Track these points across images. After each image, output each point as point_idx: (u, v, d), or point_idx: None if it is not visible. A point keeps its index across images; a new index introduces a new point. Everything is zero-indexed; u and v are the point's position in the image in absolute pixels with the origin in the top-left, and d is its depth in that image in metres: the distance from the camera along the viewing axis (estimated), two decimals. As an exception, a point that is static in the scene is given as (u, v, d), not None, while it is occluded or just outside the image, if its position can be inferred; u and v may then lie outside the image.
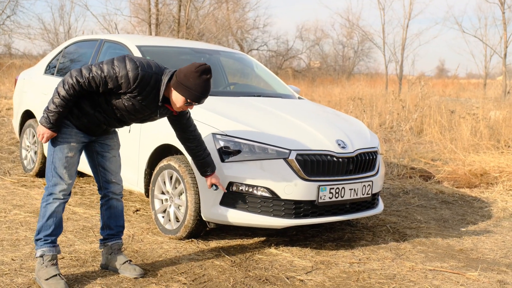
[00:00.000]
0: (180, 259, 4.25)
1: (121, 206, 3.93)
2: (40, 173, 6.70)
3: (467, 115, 11.61)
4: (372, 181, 4.84)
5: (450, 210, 6.35)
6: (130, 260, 3.86)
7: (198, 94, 3.46)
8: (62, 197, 3.53)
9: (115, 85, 3.38)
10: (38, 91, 6.62)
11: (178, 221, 4.70)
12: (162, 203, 4.88)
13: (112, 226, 3.85)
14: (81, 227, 4.91)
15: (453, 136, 10.11)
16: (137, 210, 5.59)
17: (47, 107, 3.39)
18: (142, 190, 5.11)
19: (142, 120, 3.77)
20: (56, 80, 6.47)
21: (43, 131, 3.39)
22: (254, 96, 5.76)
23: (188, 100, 3.48)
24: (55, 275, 3.44)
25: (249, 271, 4.10)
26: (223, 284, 3.81)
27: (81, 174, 6.66)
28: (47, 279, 3.41)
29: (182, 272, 3.97)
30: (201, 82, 3.45)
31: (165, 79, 3.49)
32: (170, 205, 4.79)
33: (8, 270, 3.77)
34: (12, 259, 3.99)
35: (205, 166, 4.11)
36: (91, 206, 5.63)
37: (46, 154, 6.59)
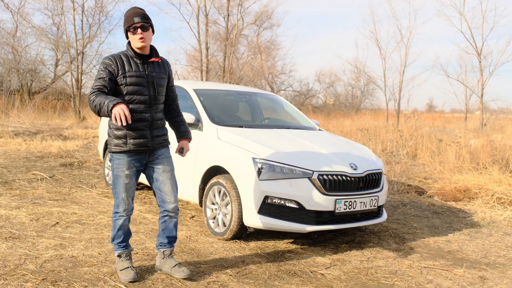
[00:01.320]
0: (227, 256, 4.35)
1: (174, 222, 3.73)
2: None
3: (452, 143, 11.53)
4: (378, 196, 4.88)
5: (440, 219, 6.31)
6: (179, 263, 3.74)
7: (128, 17, 3.36)
8: (125, 215, 3.57)
9: (112, 75, 3.34)
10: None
11: (225, 226, 4.80)
12: (212, 211, 4.98)
13: (164, 237, 3.73)
14: (150, 229, 5.05)
15: (441, 160, 10.02)
16: (193, 217, 5.70)
17: (99, 109, 3.22)
18: (197, 201, 5.22)
19: (155, 86, 3.49)
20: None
21: (115, 112, 3.12)
22: (284, 128, 5.81)
23: (131, 26, 3.34)
24: (128, 267, 3.58)
25: (280, 266, 4.18)
26: (261, 276, 3.89)
27: (150, 187, 6.83)
28: (121, 270, 3.57)
29: (229, 266, 4.07)
30: (128, 12, 3.40)
31: (127, 46, 3.48)
32: (219, 213, 4.89)
33: (96, 262, 3.94)
34: (99, 253, 4.16)
35: (182, 131, 3.88)
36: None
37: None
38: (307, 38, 51.90)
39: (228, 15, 20.61)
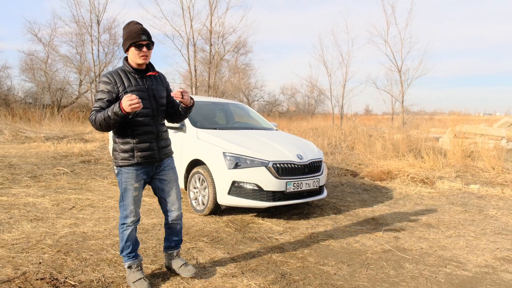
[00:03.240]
0: (204, 227, 4.30)
1: (179, 227, 3.11)
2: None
3: (379, 137, 11.69)
4: (319, 178, 4.87)
5: (368, 194, 6.33)
6: (186, 263, 3.12)
7: (134, 33, 2.66)
8: (132, 225, 2.85)
9: (111, 95, 2.65)
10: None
11: (204, 205, 4.75)
12: (194, 194, 4.92)
13: (171, 241, 3.11)
14: (146, 209, 4.95)
15: (371, 150, 10.08)
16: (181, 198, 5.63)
17: (108, 122, 2.55)
18: (183, 186, 5.15)
19: (156, 99, 2.81)
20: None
21: (127, 106, 2.45)
22: (249, 129, 5.76)
23: (135, 44, 2.66)
24: (140, 278, 2.86)
25: (245, 234, 4.15)
26: (230, 242, 3.86)
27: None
28: (134, 282, 2.85)
29: (205, 235, 4.02)
30: (132, 26, 2.70)
31: (123, 61, 2.79)
32: (199, 195, 4.83)
33: (101, 236, 3.85)
34: (104, 229, 4.07)
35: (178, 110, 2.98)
36: (153, 197, 5.58)
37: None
38: (273, 61, 52.15)
39: (211, 45, 20.43)
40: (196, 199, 4.92)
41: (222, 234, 4.09)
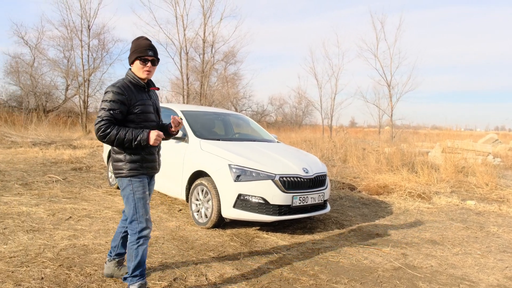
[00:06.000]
0: (209, 241, 4.18)
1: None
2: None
3: (372, 151, 11.72)
4: (324, 192, 4.82)
5: (368, 209, 6.30)
6: (127, 271, 2.92)
7: (142, 48, 2.69)
8: (149, 236, 2.75)
9: (124, 107, 2.64)
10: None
11: (206, 217, 4.64)
12: (197, 206, 4.81)
13: (125, 247, 3.03)
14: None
15: (365, 163, 10.07)
16: (180, 210, 5.48)
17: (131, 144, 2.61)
18: (184, 198, 5.02)
19: (158, 113, 2.88)
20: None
21: (154, 139, 2.61)
22: (251, 141, 5.68)
23: (141, 58, 2.69)
24: None
25: (251, 248, 4.05)
26: (237, 257, 3.75)
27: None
28: None
29: (211, 250, 3.91)
30: (141, 41, 2.73)
31: (129, 73, 2.77)
32: (202, 207, 4.72)
33: (103, 249, 3.71)
34: (106, 242, 3.91)
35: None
36: (152, 207, 5.47)
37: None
38: (263, 71, 52.11)
39: (204, 54, 20.38)
40: (198, 211, 4.81)
41: (228, 249, 3.99)
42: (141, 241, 2.70)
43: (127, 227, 2.87)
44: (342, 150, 13.00)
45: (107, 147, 6.93)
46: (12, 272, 3.09)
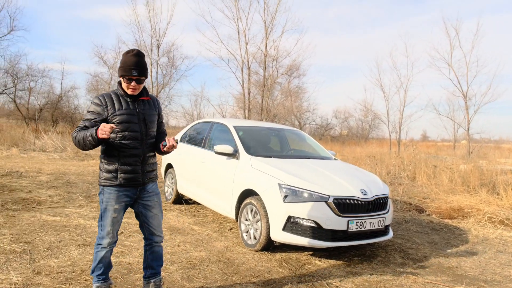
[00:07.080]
0: (256, 266, 3.93)
1: (161, 250, 3.05)
2: (175, 201, 6.53)
3: (445, 168, 10.64)
4: (385, 217, 4.36)
5: (438, 235, 5.63)
6: None
7: (127, 67, 2.66)
8: (108, 247, 2.80)
9: (100, 116, 2.68)
10: (175, 151, 6.36)
11: (255, 239, 4.41)
12: (246, 226, 4.61)
13: (154, 266, 3.01)
14: (195, 239, 4.68)
15: (436, 182, 9.19)
16: (231, 229, 5.31)
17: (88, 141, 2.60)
18: (234, 217, 4.86)
19: (146, 123, 2.81)
20: (186, 146, 6.38)
21: (102, 134, 2.53)
22: (305, 158, 5.39)
23: (125, 77, 2.68)
24: None
25: (301, 277, 3.72)
26: (284, 287, 3.44)
27: (197, 202, 6.52)
28: None
29: (256, 276, 3.66)
30: (128, 57, 2.67)
31: (117, 85, 2.81)
32: (251, 228, 4.52)
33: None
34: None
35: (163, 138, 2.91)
36: (203, 225, 5.40)
37: (179, 190, 6.51)
38: (327, 84, 51.45)
39: (266, 68, 20.47)
40: (247, 232, 4.59)
41: (275, 276, 3.69)
42: (99, 248, 2.81)
43: (151, 242, 2.98)
44: (410, 166, 12.08)
45: (164, 162, 7.04)
46: (56, 289, 3.09)
